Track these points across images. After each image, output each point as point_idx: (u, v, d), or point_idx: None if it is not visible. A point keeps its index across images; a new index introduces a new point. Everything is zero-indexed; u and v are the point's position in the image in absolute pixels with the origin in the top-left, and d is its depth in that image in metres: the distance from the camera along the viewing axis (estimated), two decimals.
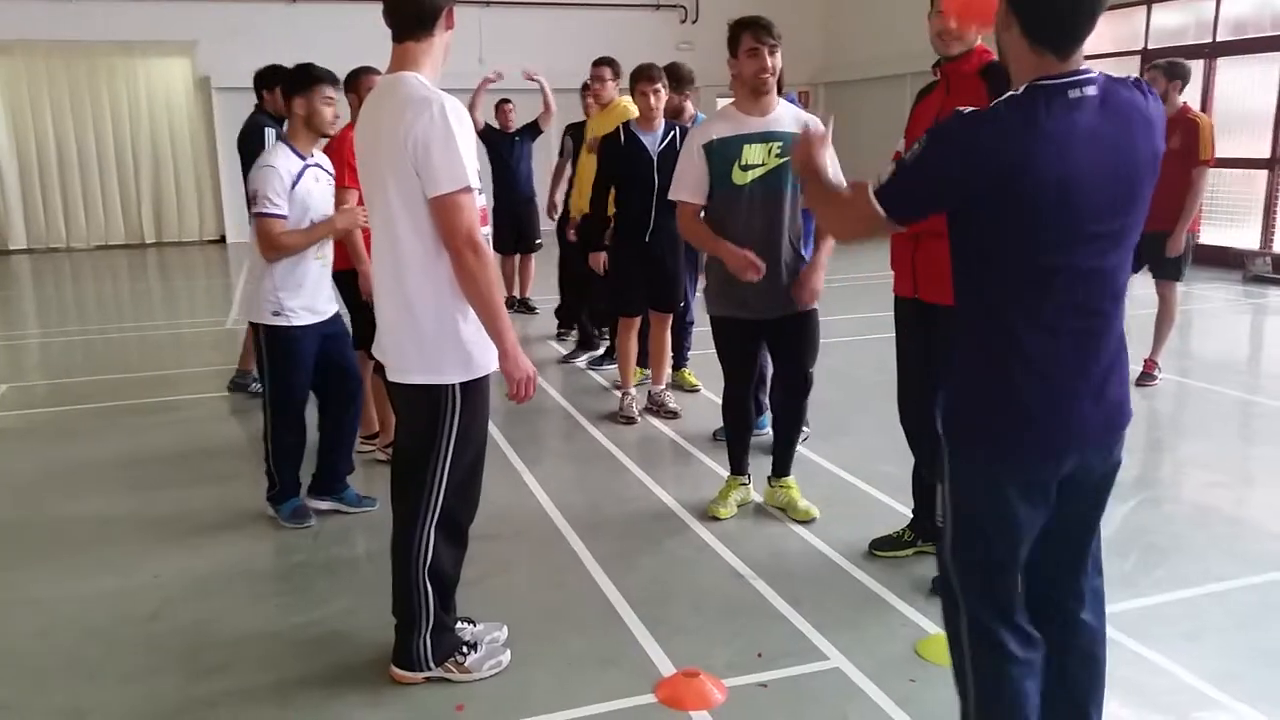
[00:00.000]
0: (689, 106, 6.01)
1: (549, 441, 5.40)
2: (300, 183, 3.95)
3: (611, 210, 5.64)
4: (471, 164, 2.60)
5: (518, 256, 8.75)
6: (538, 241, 8.56)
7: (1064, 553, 2.20)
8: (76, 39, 14.03)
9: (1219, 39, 10.95)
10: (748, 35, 3.81)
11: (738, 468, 4.25)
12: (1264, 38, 10.62)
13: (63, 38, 13.96)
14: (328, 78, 4.01)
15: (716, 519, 4.12)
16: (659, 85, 5.32)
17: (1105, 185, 1.94)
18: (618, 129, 5.47)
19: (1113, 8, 12.11)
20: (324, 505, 4.30)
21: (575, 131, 7.43)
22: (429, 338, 2.69)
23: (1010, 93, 1.96)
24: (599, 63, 6.53)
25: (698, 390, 6.11)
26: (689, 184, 3.94)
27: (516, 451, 5.06)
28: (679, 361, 6.34)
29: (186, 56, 14.72)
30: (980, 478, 2.11)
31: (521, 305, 8.93)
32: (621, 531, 4.08)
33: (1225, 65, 10.96)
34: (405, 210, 2.61)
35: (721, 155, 3.84)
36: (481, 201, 2.75)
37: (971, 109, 1.99)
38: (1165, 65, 6.06)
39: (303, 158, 4.00)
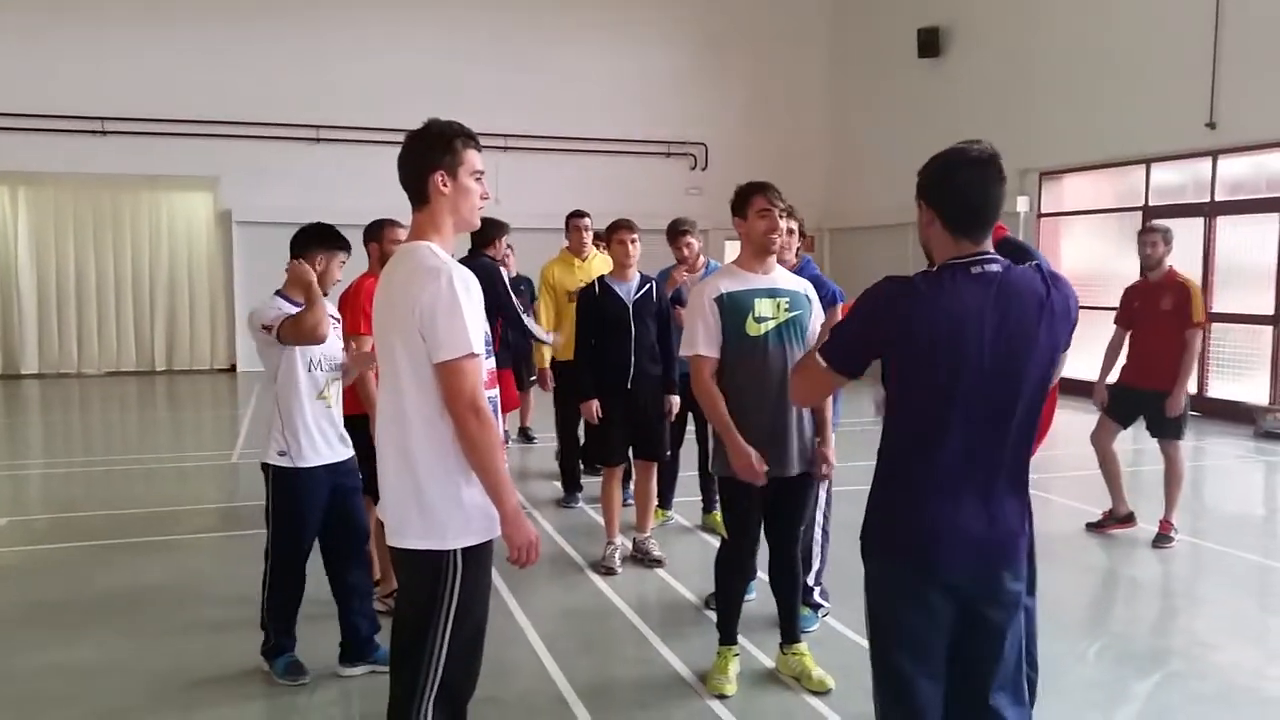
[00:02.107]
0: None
1: (553, 592, 5.26)
2: None
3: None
4: (477, 331, 2.62)
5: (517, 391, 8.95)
6: (531, 378, 8.74)
7: (968, 680, 2.42)
8: (104, 172, 14.50)
9: (1217, 198, 11.22)
10: (759, 197, 3.92)
11: (729, 636, 4.08)
12: (1260, 199, 10.88)
13: (92, 171, 14.43)
14: (346, 246, 4.19)
15: (723, 696, 3.93)
16: (636, 235, 5.56)
17: (994, 353, 2.27)
18: (593, 282, 5.65)
19: (1114, 166, 12.50)
20: (358, 671, 4.11)
21: None
22: (431, 501, 2.65)
23: (926, 269, 2.40)
24: (580, 214, 7.06)
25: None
26: (704, 338, 3.91)
27: (519, 602, 4.94)
28: (708, 505, 6.32)
29: (209, 191, 15.17)
30: (880, 583, 2.43)
31: (521, 434, 9.23)
32: (628, 700, 3.94)
33: (1225, 222, 11.20)
34: (412, 375, 2.63)
35: (734, 308, 3.87)
36: (490, 364, 2.75)
37: (896, 276, 2.39)
38: (1164, 231, 6.24)
39: (297, 306, 4.01)
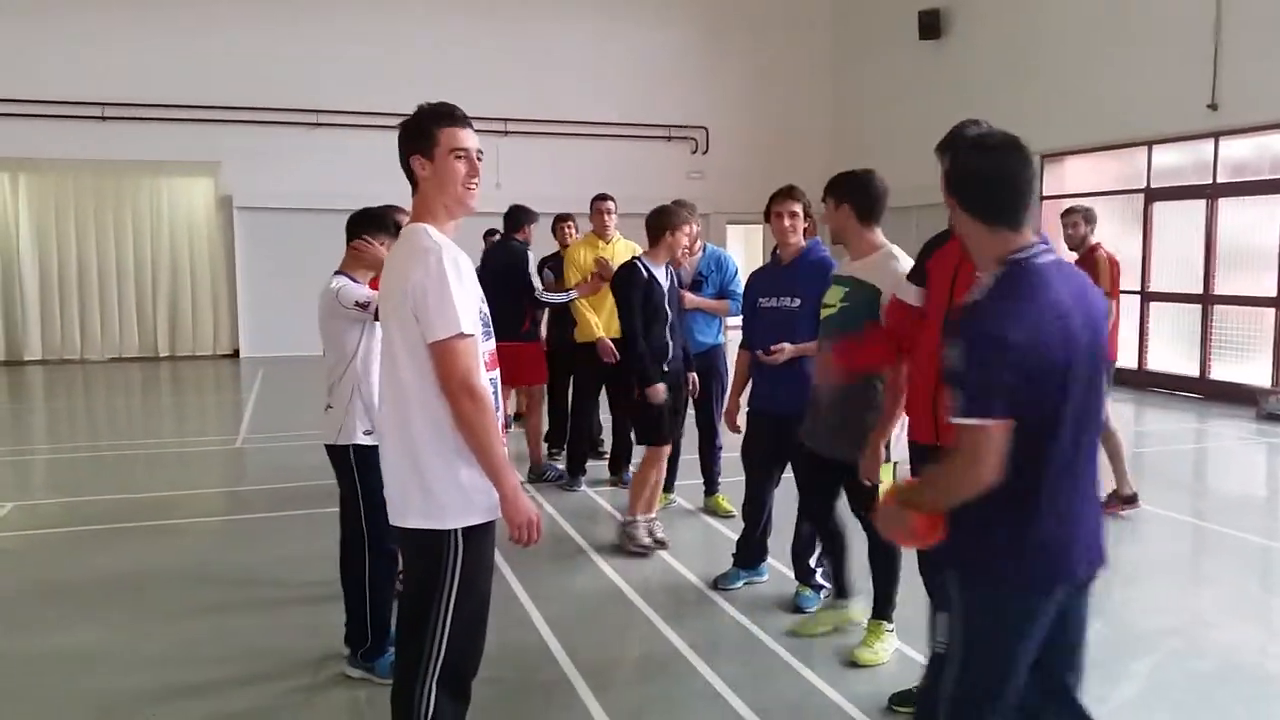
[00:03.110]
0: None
1: (556, 573, 5.27)
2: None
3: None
4: (469, 311, 2.61)
5: None
6: None
7: (1050, 669, 2.37)
8: (105, 158, 14.47)
9: (1219, 180, 11.18)
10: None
11: (841, 589, 4.32)
12: (1263, 181, 10.85)
13: (92, 157, 14.41)
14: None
15: (797, 634, 4.28)
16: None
17: (1087, 336, 2.22)
18: (632, 262, 5.54)
19: (1116, 148, 12.46)
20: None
21: (552, 263, 7.67)
22: (431, 482, 2.66)
23: (996, 274, 2.25)
24: (605, 197, 7.01)
25: (732, 515, 6.03)
26: None
27: (522, 583, 4.96)
28: (711, 488, 6.38)
29: (210, 176, 15.14)
30: (992, 610, 2.29)
31: (518, 420, 8.91)
32: (630, 679, 3.97)
33: (1227, 204, 11.17)
34: (408, 355, 2.64)
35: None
36: (489, 345, 2.75)
37: (983, 301, 2.20)
38: (1085, 211, 6.45)
39: (359, 284, 4.04)
